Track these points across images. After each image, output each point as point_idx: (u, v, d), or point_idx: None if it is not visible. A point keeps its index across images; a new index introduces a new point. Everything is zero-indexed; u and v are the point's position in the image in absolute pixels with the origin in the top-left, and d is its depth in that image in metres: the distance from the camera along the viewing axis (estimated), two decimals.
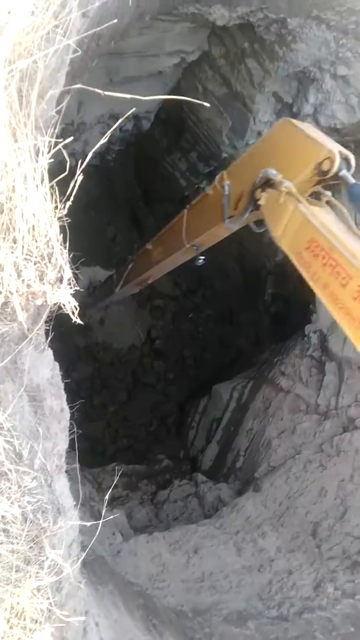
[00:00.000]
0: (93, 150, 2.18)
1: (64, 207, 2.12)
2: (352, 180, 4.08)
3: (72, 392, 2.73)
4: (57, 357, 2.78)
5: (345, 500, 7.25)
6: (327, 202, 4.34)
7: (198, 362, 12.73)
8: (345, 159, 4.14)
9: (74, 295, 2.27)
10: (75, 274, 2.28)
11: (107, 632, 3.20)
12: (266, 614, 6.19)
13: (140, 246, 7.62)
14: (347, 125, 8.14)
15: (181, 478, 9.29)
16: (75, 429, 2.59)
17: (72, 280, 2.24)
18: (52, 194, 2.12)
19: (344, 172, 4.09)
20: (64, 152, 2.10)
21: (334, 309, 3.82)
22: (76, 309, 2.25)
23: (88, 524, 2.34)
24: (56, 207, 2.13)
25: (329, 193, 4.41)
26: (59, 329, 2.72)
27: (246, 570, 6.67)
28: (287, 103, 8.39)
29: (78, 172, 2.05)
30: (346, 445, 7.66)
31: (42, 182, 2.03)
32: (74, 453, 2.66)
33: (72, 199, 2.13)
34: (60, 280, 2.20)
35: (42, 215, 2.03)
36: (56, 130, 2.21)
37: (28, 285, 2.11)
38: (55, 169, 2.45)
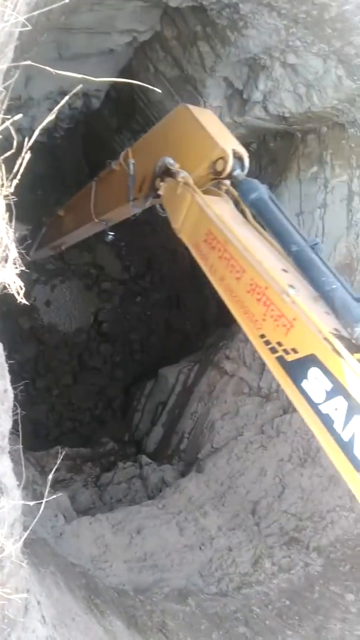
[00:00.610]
0: (41, 126, 2.15)
1: (11, 185, 2.09)
2: (243, 178, 4.16)
3: (15, 374, 2.71)
4: (0, 338, 2.75)
5: (284, 480, 7.52)
6: (226, 191, 4.37)
7: (144, 346, 12.78)
8: (239, 158, 4.21)
9: (19, 275, 2.26)
10: (20, 254, 2.26)
11: (48, 611, 3.23)
12: (206, 591, 6.38)
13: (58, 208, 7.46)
14: (294, 114, 8.29)
15: (125, 460, 9.36)
16: (19, 411, 2.58)
17: (18, 260, 2.22)
18: None
19: (237, 172, 4.16)
20: (11, 129, 2.07)
21: (229, 302, 3.85)
22: (21, 289, 2.24)
23: (31, 503, 2.35)
24: (2, 185, 2.10)
25: (228, 182, 4.41)
26: (2, 309, 2.69)
27: (188, 549, 6.83)
28: (237, 89, 8.44)
29: (25, 149, 2.03)
30: (286, 427, 7.92)
31: None
32: (17, 435, 2.66)
33: (18, 176, 2.10)
34: (6, 259, 2.18)
35: None
36: (3, 106, 2.17)
37: None
38: (2, 145, 2.41)
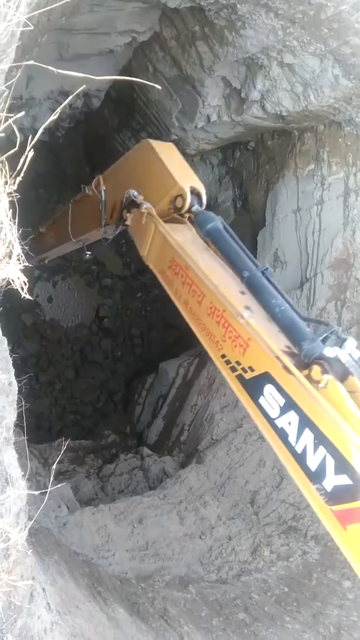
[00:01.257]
0: (43, 126, 2.15)
1: (14, 183, 2.09)
2: (199, 210, 4.31)
3: (18, 369, 2.71)
4: (3, 333, 2.75)
5: (282, 470, 7.54)
6: (189, 219, 4.51)
7: (145, 340, 12.78)
8: (197, 195, 4.38)
9: (23, 271, 2.26)
10: (24, 250, 2.26)
11: (53, 599, 3.25)
12: (206, 578, 6.41)
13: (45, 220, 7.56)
14: (292, 113, 8.28)
15: (127, 452, 9.38)
16: (23, 403, 2.59)
17: (21, 256, 2.22)
18: (1, 169, 2.08)
19: (195, 208, 4.32)
20: (14, 127, 2.06)
21: (193, 324, 4.00)
22: (25, 284, 2.24)
23: (35, 492, 2.36)
24: (5, 183, 2.10)
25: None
26: (6, 306, 2.69)
27: (188, 538, 6.86)
28: (235, 88, 8.43)
29: (28, 147, 2.02)
30: None
31: None
32: (21, 427, 2.66)
33: (21, 174, 2.10)
34: (10, 255, 2.18)
35: None
36: (6, 105, 2.16)
37: None
38: (3, 145, 2.40)
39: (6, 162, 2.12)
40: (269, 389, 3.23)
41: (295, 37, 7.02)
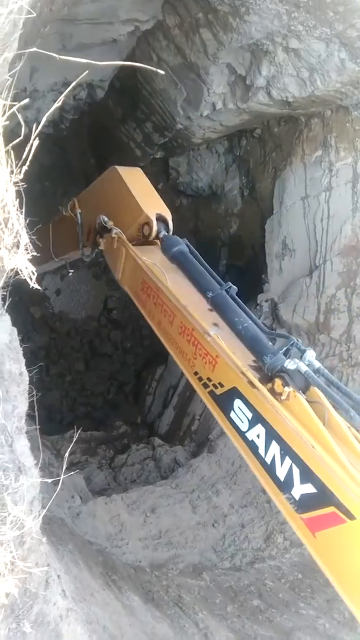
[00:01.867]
0: (47, 113, 2.15)
1: (20, 172, 2.09)
2: (165, 235, 4.48)
3: (28, 361, 2.72)
4: (13, 326, 2.76)
5: None
6: (159, 239, 4.63)
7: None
8: (164, 221, 4.55)
9: (30, 261, 2.26)
10: (31, 240, 2.27)
11: (68, 586, 3.29)
12: (220, 566, 6.46)
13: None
14: (298, 99, 8.20)
15: (138, 442, 9.43)
16: (34, 392, 2.60)
17: (29, 246, 2.23)
18: (7, 159, 2.08)
19: (162, 234, 4.48)
20: (19, 115, 2.06)
21: (167, 343, 4.17)
22: (33, 274, 2.24)
23: (49, 480, 2.39)
24: (12, 172, 2.10)
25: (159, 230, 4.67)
26: (14, 299, 2.70)
27: (201, 526, 6.90)
28: (240, 75, 8.35)
29: (33, 135, 2.02)
30: None
31: None
32: (32, 417, 2.68)
33: (27, 163, 2.10)
34: (17, 245, 2.18)
35: None
36: (10, 94, 2.16)
37: None
38: (8, 137, 2.40)
39: (11, 151, 2.12)
40: (237, 403, 3.37)
41: (300, 22, 6.93)
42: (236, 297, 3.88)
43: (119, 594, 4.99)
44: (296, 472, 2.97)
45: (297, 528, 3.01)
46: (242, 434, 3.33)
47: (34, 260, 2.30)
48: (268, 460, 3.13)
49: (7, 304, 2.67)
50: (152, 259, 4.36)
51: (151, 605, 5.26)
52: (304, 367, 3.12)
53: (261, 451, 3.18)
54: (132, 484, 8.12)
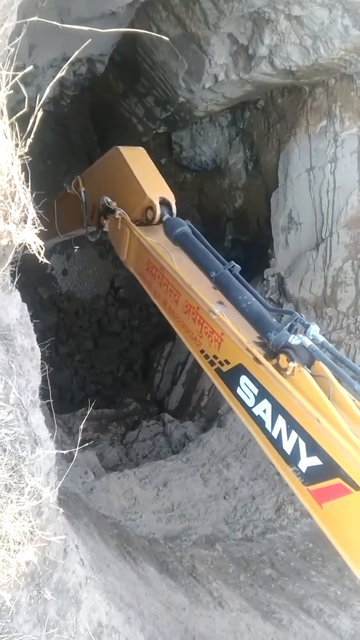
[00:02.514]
0: (51, 84, 2.11)
1: (25, 145, 2.07)
2: (169, 218, 4.45)
3: (38, 341, 2.74)
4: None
5: None
6: (162, 222, 4.59)
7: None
8: (167, 205, 4.52)
9: (38, 235, 2.26)
10: (38, 214, 2.26)
11: (85, 557, 3.36)
12: (232, 536, 6.56)
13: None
14: (301, 68, 8.05)
15: (149, 419, 9.52)
16: (47, 367, 2.63)
17: (37, 220, 2.22)
18: (12, 132, 2.06)
19: (166, 217, 4.46)
20: (22, 87, 2.03)
21: (173, 322, 4.19)
22: (42, 248, 2.24)
23: (64, 451, 2.42)
24: (16, 146, 2.08)
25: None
26: (22, 280, 2.71)
27: (212, 499, 6.99)
28: (242, 45, 8.19)
29: (38, 106, 2.00)
30: None
31: (1, 117, 1.97)
32: (46, 391, 2.71)
33: (32, 136, 2.08)
34: (25, 220, 2.17)
35: (3, 153, 1.98)
36: (12, 64, 2.13)
37: None
38: (9, 115, 2.37)
39: (16, 124, 2.10)
40: (243, 379, 3.42)
41: None
42: (239, 275, 3.89)
43: (135, 565, 5.09)
44: (302, 445, 3.02)
45: (305, 500, 3.07)
46: (248, 410, 3.39)
47: (41, 235, 2.29)
48: (275, 434, 3.18)
49: (15, 281, 2.68)
50: (157, 239, 4.37)
51: (166, 575, 5.37)
52: (308, 342, 3.15)
53: (268, 426, 3.23)
54: (144, 459, 8.23)
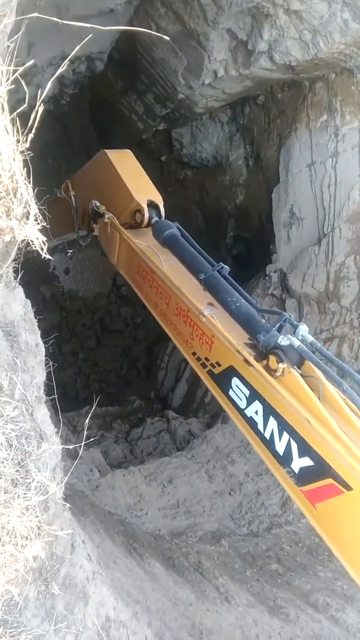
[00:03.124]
0: (56, 74, 2.11)
1: (26, 141, 2.08)
2: (157, 220, 4.49)
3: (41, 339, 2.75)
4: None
5: None
6: (150, 225, 4.61)
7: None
8: (155, 207, 4.55)
9: (41, 231, 2.26)
10: (41, 210, 2.26)
11: (92, 552, 3.37)
12: (238, 532, 6.57)
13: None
14: (301, 62, 8.03)
15: (153, 416, 9.53)
16: (51, 364, 2.63)
17: (39, 216, 2.22)
18: (13, 127, 2.06)
19: (154, 220, 4.48)
20: (22, 82, 2.04)
21: (165, 325, 4.22)
22: (44, 244, 2.24)
23: (70, 446, 2.43)
24: (18, 141, 2.08)
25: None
26: (24, 278, 2.71)
27: (218, 495, 7.01)
28: (241, 40, 8.17)
29: (39, 102, 2.00)
30: None
31: (2, 113, 1.98)
32: (50, 387, 2.71)
33: (32, 132, 2.08)
34: (27, 216, 2.18)
35: (5, 148, 1.98)
36: (13, 60, 2.13)
37: None
38: (11, 112, 2.37)
39: (17, 119, 2.10)
40: (235, 381, 3.43)
41: None
42: (228, 276, 3.89)
43: (141, 561, 5.10)
44: (294, 446, 3.03)
45: (298, 500, 3.09)
46: (241, 411, 3.40)
47: (43, 232, 2.30)
48: (267, 435, 3.19)
49: (18, 278, 2.68)
50: (146, 242, 4.39)
51: (172, 571, 5.39)
52: (297, 342, 3.14)
53: (260, 427, 3.24)
54: (149, 456, 8.24)
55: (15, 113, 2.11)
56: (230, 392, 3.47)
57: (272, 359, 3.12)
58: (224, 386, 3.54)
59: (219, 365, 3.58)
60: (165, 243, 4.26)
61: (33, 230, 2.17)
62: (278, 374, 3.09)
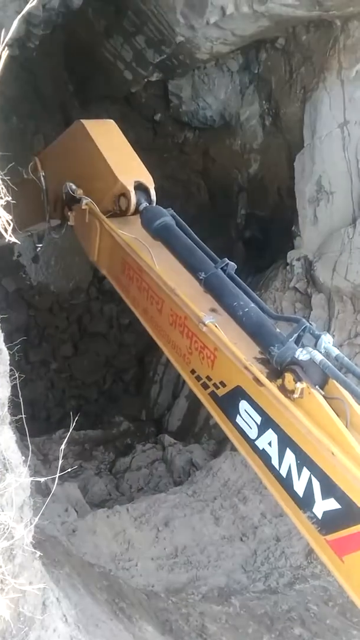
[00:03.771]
0: (15, 20, 2.12)
1: None
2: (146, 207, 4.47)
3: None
4: None
5: None
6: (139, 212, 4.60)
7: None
8: (144, 190, 4.54)
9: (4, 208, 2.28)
10: (5, 182, 2.28)
11: (68, 612, 3.38)
12: (252, 588, 6.59)
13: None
14: None
15: (144, 442, 9.55)
16: (16, 375, 2.65)
17: (3, 190, 2.24)
18: None
19: (143, 206, 4.47)
20: None
21: (156, 336, 4.23)
22: (9, 224, 2.26)
23: (42, 479, 2.44)
24: None
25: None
26: None
27: (226, 541, 7.02)
28: None
29: (1, 48, 2.01)
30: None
31: None
32: (17, 404, 2.73)
33: None
34: None
35: None
36: None
37: None
38: None
39: None
40: (243, 405, 3.41)
41: None
42: (235, 276, 3.88)
43: (130, 624, 5.12)
44: (316, 485, 3.02)
45: (322, 552, 3.08)
46: (251, 443, 3.39)
47: (6, 208, 2.31)
48: (283, 472, 3.18)
49: None
50: (133, 233, 4.39)
51: (169, 636, 5.40)
52: (319, 357, 3.13)
53: (275, 462, 3.23)
54: (139, 492, 8.27)
55: None
56: (238, 419, 3.46)
57: (289, 376, 3.12)
58: (230, 411, 3.53)
59: (224, 385, 3.58)
60: (156, 234, 4.25)
61: None
62: (296, 395, 3.09)
